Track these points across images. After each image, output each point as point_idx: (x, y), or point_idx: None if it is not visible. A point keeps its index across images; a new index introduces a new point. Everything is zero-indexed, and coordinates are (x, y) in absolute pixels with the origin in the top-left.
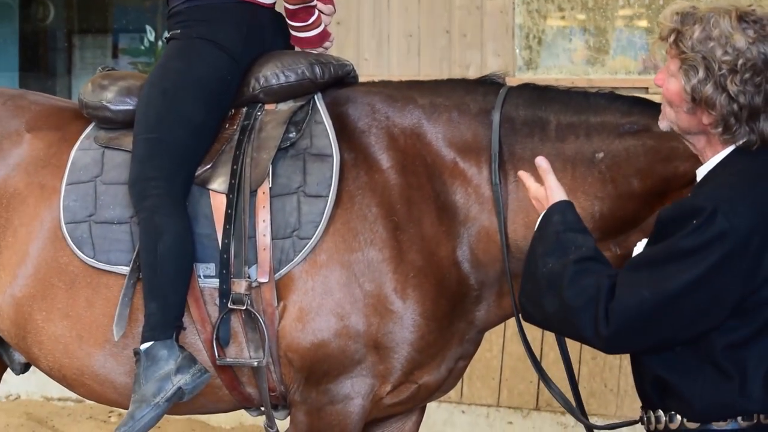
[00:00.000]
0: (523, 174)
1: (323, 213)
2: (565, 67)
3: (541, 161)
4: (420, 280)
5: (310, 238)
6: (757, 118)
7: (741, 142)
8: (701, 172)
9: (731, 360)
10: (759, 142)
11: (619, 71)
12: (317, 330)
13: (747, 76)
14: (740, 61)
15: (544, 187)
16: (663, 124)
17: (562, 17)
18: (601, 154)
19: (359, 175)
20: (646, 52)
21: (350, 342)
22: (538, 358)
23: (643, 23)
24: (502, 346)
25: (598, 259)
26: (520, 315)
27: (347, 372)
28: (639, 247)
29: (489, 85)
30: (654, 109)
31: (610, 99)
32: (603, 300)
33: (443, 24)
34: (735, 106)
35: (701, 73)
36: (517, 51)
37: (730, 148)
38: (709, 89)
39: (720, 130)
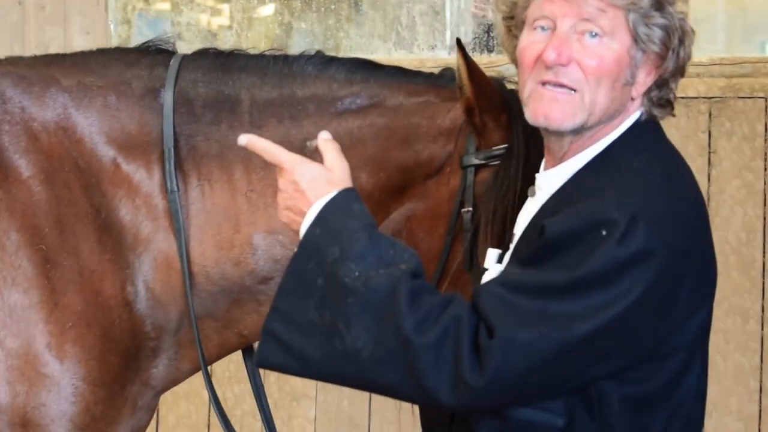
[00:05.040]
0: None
1: None
2: None
3: (324, 132)
4: (81, 330)
5: None
6: (680, 74)
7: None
8: (552, 176)
9: (630, 425)
10: (668, 111)
11: None
12: None
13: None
14: None
15: (325, 164)
16: (574, 121)
17: None
18: (314, 142)
19: None
20: None
21: None
22: None
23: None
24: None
25: (424, 275)
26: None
27: None
28: (490, 257)
29: (156, 54)
30: (382, 73)
31: (322, 64)
32: (467, 335)
33: None
34: (683, 54)
35: (659, 18)
36: (112, 27)
37: (612, 135)
38: (675, 38)
39: (655, 94)
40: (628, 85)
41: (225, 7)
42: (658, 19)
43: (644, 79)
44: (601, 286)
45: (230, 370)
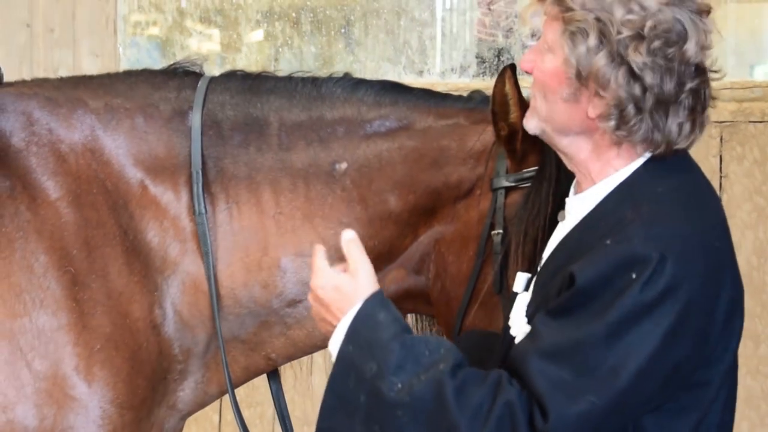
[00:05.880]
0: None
1: None
2: None
3: (348, 233)
4: (109, 353)
5: None
6: (666, 110)
7: (644, 146)
8: (581, 201)
9: None
10: (664, 146)
11: None
12: None
13: (656, 44)
14: (648, 24)
15: (347, 270)
16: (531, 124)
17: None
18: (343, 165)
19: (19, 211)
20: None
21: None
22: None
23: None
24: None
25: (465, 362)
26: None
27: None
28: (519, 282)
29: (183, 76)
30: (411, 96)
31: (351, 87)
32: (522, 420)
33: (21, 15)
34: (637, 88)
35: (593, 39)
36: (121, 50)
37: (635, 163)
38: (601, 59)
39: (612, 123)
40: (570, 102)
41: (217, 33)
42: (591, 41)
43: (595, 101)
44: (633, 325)
45: (240, 394)
